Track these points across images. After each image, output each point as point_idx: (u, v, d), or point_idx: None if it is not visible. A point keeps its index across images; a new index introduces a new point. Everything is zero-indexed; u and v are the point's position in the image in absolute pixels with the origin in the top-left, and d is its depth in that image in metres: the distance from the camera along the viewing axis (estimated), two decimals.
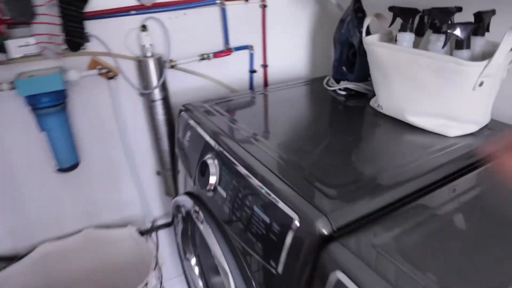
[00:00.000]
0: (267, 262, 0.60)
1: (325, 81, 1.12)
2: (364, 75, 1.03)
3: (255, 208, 0.62)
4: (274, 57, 1.24)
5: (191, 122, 0.89)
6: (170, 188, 1.18)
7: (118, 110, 1.05)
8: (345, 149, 0.73)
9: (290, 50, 1.29)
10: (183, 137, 0.92)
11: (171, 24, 1.03)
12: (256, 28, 1.18)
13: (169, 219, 1.29)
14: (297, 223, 0.54)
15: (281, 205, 0.57)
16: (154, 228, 1.24)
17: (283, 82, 1.29)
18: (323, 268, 0.49)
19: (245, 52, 1.19)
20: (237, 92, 1.22)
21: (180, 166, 1.03)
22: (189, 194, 0.92)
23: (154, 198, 1.25)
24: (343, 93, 1.04)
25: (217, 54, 1.10)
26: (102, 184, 1.13)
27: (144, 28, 0.99)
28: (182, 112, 0.95)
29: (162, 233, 1.30)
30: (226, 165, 0.71)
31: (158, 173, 1.20)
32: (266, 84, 1.26)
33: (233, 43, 1.14)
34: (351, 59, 1.04)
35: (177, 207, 0.98)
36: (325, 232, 0.52)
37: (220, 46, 1.14)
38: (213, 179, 0.73)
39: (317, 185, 0.60)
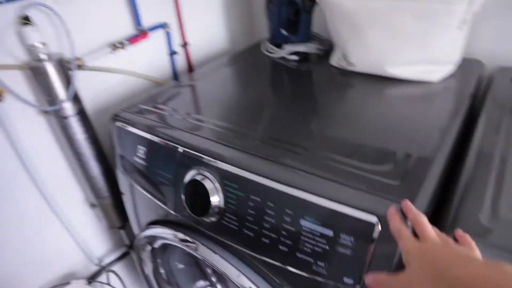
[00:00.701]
0: (339, 282, 0.48)
1: (263, 49, 0.99)
2: (309, 35, 0.94)
3: (304, 223, 0.48)
4: (194, 33, 1.05)
5: (140, 133, 0.67)
6: (113, 219, 0.94)
7: (16, 141, 0.74)
8: (338, 120, 0.64)
9: (208, 22, 1.11)
10: (133, 155, 0.70)
11: (63, 9, 0.75)
12: (167, 1, 0.96)
13: (119, 252, 1.04)
14: (378, 227, 0.44)
15: (347, 210, 0.45)
16: (105, 270, 0.99)
17: (211, 59, 1.12)
18: None
19: (161, 33, 0.97)
20: (166, 82, 1.01)
21: (126, 189, 0.81)
22: (163, 223, 0.73)
23: (93, 236, 0.98)
24: (294, 58, 0.93)
25: (132, 40, 0.86)
26: (16, 241, 0.82)
27: (26, 20, 0.69)
28: (117, 123, 0.72)
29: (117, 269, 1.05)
30: (233, 180, 0.55)
31: (93, 205, 0.93)
32: (190, 65, 1.07)
33: (145, 24, 0.91)
34: (292, 19, 0.93)
35: (148, 240, 0.78)
36: None
37: (130, 29, 0.89)
38: (216, 201, 0.56)
39: (360, 172, 0.49)
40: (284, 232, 0.50)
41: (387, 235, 0.42)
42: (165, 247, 0.80)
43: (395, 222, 0.41)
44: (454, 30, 0.67)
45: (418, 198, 0.45)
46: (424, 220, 0.40)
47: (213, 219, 0.58)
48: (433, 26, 0.67)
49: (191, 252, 0.67)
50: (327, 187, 0.48)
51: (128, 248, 1.03)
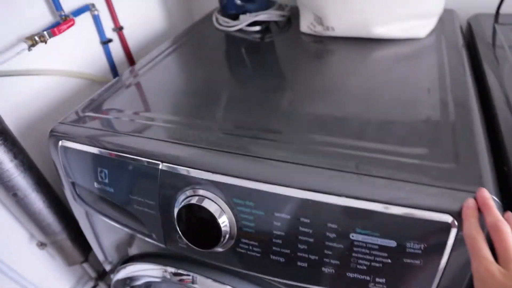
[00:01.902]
0: None
1: (216, 23, 0.84)
2: (267, 1, 0.81)
3: (356, 236, 0.38)
4: (126, 15, 0.86)
5: (98, 151, 0.51)
6: (73, 255, 0.76)
7: None
8: (333, 95, 0.54)
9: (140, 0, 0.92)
10: (91, 180, 0.53)
11: None
12: None
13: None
14: (454, 226, 0.35)
15: (413, 212, 0.36)
16: None
17: (151, 44, 0.94)
18: None
19: (87, 17, 0.77)
20: (104, 79, 0.82)
21: (86, 223, 0.64)
22: (144, 257, 0.58)
23: (48, 279, 0.79)
24: (255, 28, 0.80)
25: (55, 30, 0.66)
26: None
27: None
28: (62, 142, 0.54)
29: None
30: (246, 197, 0.42)
31: (42, 244, 0.74)
32: (129, 54, 0.88)
33: (66, 8, 0.70)
34: None
35: (126, 282, 0.63)
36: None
37: (49, 17, 0.69)
38: (225, 226, 0.43)
39: (397, 158, 0.40)
40: (328, 252, 0.40)
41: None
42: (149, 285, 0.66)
43: (471, 226, 0.32)
44: None
45: (487, 182, 0.37)
46: (508, 230, 0.30)
47: (223, 249, 0.46)
48: None
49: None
50: (379, 187, 0.38)
51: (96, 281, 0.86)
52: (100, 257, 0.70)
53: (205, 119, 0.52)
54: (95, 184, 0.53)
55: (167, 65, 0.70)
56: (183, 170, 0.45)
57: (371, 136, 0.44)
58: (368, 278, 0.40)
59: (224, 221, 0.43)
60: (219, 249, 0.45)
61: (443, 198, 0.36)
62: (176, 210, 0.45)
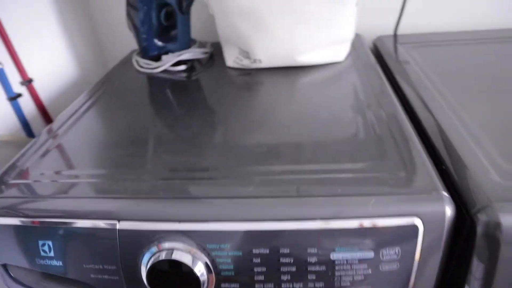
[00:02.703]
0: None
1: (137, 66, 0.82)
2: (190, 39, 0.82)
3: (336, 255, 0.39)
4: (34, 67, 0.78)
5: (38, 220, 0.44)
6: None
7: None
8: (268, 123, 0.57)
9: (49, 50, 0.85)
10: (34, 256, 0.46)
11: None
12: None
13: None
14: (421, 226, 0.38)
15: (384, 222, 0.38)
16: None
17: (65, 96, 0.87)
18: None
19: None
20: (18, 139, 0.73)
21: None
22: None
23: None
24: (181, 68, 0.79)
25: None
26: None
27: None
28: None
29: None
30: (220, 240, 0.40)
31: None
32: (43, 109, 0.80)
33: None
34: (165, 25, 0.79)
35: None
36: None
37: None
38: (202, 274, 0.41)
39: (352, 174, 0.44)
40: (312, 276, 0.40)
41: (429, 231, 0.38)
42: None
43: None
44: (353, 7, 0.67)
45: (438, 183, 0.42)
46: None
47: None
48: (334, 6, 0.65)
49: None
50: (348, 204, 0.40)
51: None
52: None
53: (147, 167, 0.49)
54: (37, 261, 0.46)
55: (91, 117, 0.65)
56: (145, 225, 0.41)
57: (320, 158, 0.46)
58: None
59: (201, 270, 0.40)
60: None
61: (407, 203, 0.39)
62: (144, 270, 0.41)
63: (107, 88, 0.75)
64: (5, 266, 0.49)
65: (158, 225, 0.41)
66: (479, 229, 0.38)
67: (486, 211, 0.38)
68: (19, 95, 0.73)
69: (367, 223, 0.38)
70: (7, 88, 0.71)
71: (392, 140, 0.49)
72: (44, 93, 0.80)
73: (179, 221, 0.41)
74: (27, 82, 0.76)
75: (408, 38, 0.82)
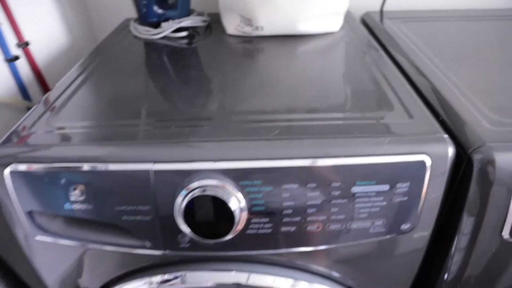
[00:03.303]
0: (396, 232, 0.47)
1: (136, 32, 0.82)
2: (188, 7, 0.83)
3: (357, 189, 0.44)
4: (30, 28, 0.77)
5: (69, 165, 0.45)
6: None
7: None
8: (280, 84, 0.61)
9: (43, 13, 0.83)
10: (63, 201, 0.47)
11: None
12: None
13: None
14: (429, 162, 0.44)
15: (397, 158, 0.44)
16: None
17: (57, 60, 0.85)
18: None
19: None
20: (16, 101, 0.71)
21: (44, 260, 0.56)
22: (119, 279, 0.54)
23: None
24: (182, 34, 0.81)
25: None
26: None
27: None
28: (11, 167, 0.46)
29: None
30: (253, 177, 0.44)
31: None
32: (38, 73, 0.79)
33: None
34: None
35: None
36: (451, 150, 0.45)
37: None
38: (237, 210, 0.44)
39: (365, 121, 0.49)
40: (334, 209, 0.45)
41: (436, 167, 0.44)
42: None
43: None
44: None
45: (439, 128, 0.47)
46: None
47: (233, 235, 0.46)
48: None
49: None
50: (368, 144, 0.45)
51: None
52: None
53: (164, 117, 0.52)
54: (67, 205, 0.47)
55: (94, 80, 0.65)
56: (180, 165, 0.44)
57: (336, 109, 0.51)
58: (368, 224, 0.46)
59: (234, 205, 0.44)
60: (229, 236, 0.46)
61: (416, 143, 0.45)
62: (181, 208, 0.44)
63: (106, 54, 0.75)
64: (30, 214, 0.49)
65: (193, 164, 0.44)
66: (476, 166, 0.44)
67: (481, 150, 0.45)
68: (17, 57, 0.72)
69: (383, 159, 0.44)
70: (5, 49, 0.70)
71: (395, 95, 0.55)
72: (39, 57, 0.79)
73: (214, 160, 0.44)
74: (24, 44, 0.74)
75: (394, 14, 0.89)
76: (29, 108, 0.75)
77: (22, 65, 0.74)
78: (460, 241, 0.50)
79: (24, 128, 0.51)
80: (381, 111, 0.51)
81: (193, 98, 0.57)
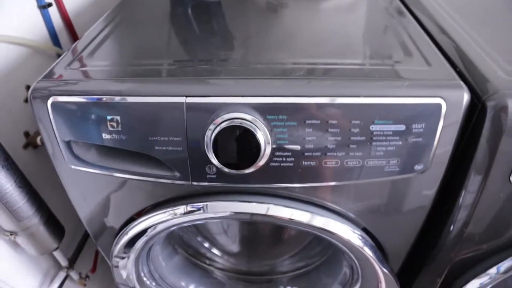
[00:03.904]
0: (409, 172, 0.51)
1: None
2: None
3: (375, 127, 0.47)
4: None
5: (107, 99, 0.49)
6: (47, 242, 0.69)
7: None
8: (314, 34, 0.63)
9: None
10: (100, 131, 0.51)
11: None
12: None
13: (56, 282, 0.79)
14: (444, 106, 0.47)
15: (415, 100, 0.46)
16: None
17: (84, 10, 0.88)
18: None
19: None
20: (52, 48, 0.75)
21: (77, 191, 0.60)
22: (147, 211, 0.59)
23: (14, 273, 0.71)
24: None
25: None
26: None
27: None
28: (53, 98, 0.49)
29: None
30: (278, 112, 0.47)
31: (12, 233, 0.66)
32: (68, 21, 0.82)
33: None
34: None
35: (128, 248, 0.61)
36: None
37: None
38: (263, 142, 0.47)
39: (384, 67, 0.51)
40: (353, 146, 0.48)
41: (451, 111, 0.46)
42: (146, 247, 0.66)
43: None
44: None
45: (455, 76, 0.50)
46: None
47: (256, 168, 0.50)
48: None
49: (204, 221, 0.57)
50: (386, 86, 0.47)
51: (68, 270, 0.80)
52: (90, 229, 0.66)
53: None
54: (104, 135, 0.51)
55: (123, 28, 0.67)
56: (211, 99, 0.47)
57: (358, 56, 0.54)
58: (384, 162, 0.49)
59: (261, 137, 0.47)
60: (254, 169, 0.50)
61: (433, 87, 0.47)
62: (211, 138, 0.48)
63: (132, 6, 0.78)
64: (69, 143, 0.53)
65: (223, 99, 0.47)
66: (489, 113, 0.47)
67: (495, 97, 0.47)
68: (50, 4, 0.75)
69: (400, 100, 0.46)
70: None
71: (414, 46, 0.57)
72: (68, 7, 0.82)
73: (242, 95, 0.47)
74: None
75: None
76: (59, 55, 0.78)
77: (53, 12, 0.77)
78: (469, 188, 0.52)
79: (58, 68, 0.54)
80: (401, 59, 0.53)
81: (219, 45, 0.60)
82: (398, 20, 0.66)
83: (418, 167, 0.50)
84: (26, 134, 0.72)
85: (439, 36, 0.63)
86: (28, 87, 0.72)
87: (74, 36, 0.83)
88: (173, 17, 0.74)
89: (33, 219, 0.65)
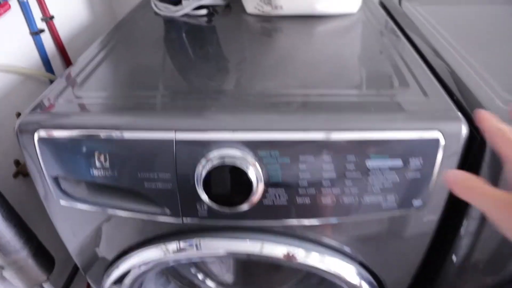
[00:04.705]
0: (407, 208, 0.49)
1: (157, 9, 0.83)
2: None
3: (371, 163, 0.46)
4: (54, 3, 0.78)
5: (95, 133, 0.47)
6: (36, 274, 0.67)
7: None
8: (294, 63, 0.62)
9: None
10: (89, 168, 0.49)
11: None
12: None
13: None
14: (442, 140, 0.45)
15: (411, 134, 0.45)
16: None
17: (78, 36, 0.87)
18: None
19: (15, 5, 0.68)
20: (45, 75, 0.74)
21: (66, 226, 0.59)
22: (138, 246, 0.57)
23: None
24: (202, 12, 0.82)
25: None
26: None
27: None
28: (39, 132, 0.48)
29: None
30: (271, 147, 0.45)
31: (2, 267, 0.64)
32: (61, 47, 0.81)
33: None
34: None
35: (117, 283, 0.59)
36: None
37: None
38: (254, 180, 0.46)
39: (378, 98, 0.50)
40: (348, 182, 0.47)
41: (449, 145, 0.45)
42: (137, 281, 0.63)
43: (492, 123, 0.31)
44: None
45: (452, 108, 0.48)
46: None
47: (249, 206, 0.48)
48: None
49: (199, 259, 0.55)
50: (382, 120, 0.46)
51: None
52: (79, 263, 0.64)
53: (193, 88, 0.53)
54: (92, 172, 0.49)
55: (116, 54, 0.66)
56: (201, 135, 0.46)
57: (351, 87, 0.52)
58: (381, 198, 0.48)
59: (252, 175, 0.45)
60: (245, 207, 0.48)
61: (430, 120, 0.45)
62: (201, 176, 0.46)
63: (126, 30, 0.77)
64: (56, 180, 0.52)
65: (213, 134, 0.46)
66: (488, 146, 0.45)
67: None
68: (42, 30, 0.74)
69: (397, 135, 0.45)
70: (31, 22, 0.72)
71: (410, 73, 0.55)
72: (61, 32, 0.81)
73: (233, 130, 0.45)
74: (49, 18, 0.76)
75: None
76: (51, 81, 0.77)
77: (46, 38, 0.77)
78: (470, 222, 0.51)
79: (48, 98, 0.53)
80: (397, 89, 0.51)
81: (212, 73, 0.59)
82: (393, 44, 0.65)
83: (416, 202, 0.48)
84: (17, 162, 0.71)
85: (434, 60, 0.62)
86: (19, 115, 0.70)
87: (67, 62, 0.82)
88: (167, 41, 0.74)
89: (21, 252, 0.63)
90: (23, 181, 0.72)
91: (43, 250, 0.69)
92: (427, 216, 0.51)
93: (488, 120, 0.32)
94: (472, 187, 0.29)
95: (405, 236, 0.53)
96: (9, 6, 0.61)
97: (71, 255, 0.62)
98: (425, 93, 0.50)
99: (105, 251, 0.61)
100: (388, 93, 0.51)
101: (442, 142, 0.45)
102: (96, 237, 0.59)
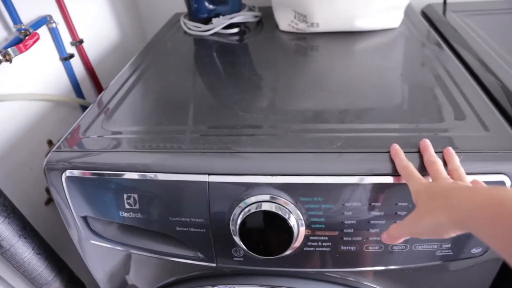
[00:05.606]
0: (466, 256, 0.44)
1: (186, 28, 0.81)
2: (240, 3, 0.81)
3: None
4: (83, 26, 0.77)
5: (124, 175, 0.45)
6: None
7: None
8: (331, 87, 0.57)
9: (94, 11, 0.84)
10: (118, 209, 0.47)
11: None
12: None
13: None
14: (507, 183, 0.40)
15: (473, 177, 0.40)
16: None
17: (108, 58, 0.86)
18: None
19: (44, 31, 0.68)
20: (80, 101, 0.73)
21: (98, 264, 0.57)
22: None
23: None
24: (234, 30, 0.79)
25: (21, 46, 0.56)
26: None
27: None
28: (67, 173, 0.46)
29: None
30: (313, 194, 0.41)
31: None
32: (91, 71, 0.80)
33: (24, 19, 0.61)
34: None
35: None
36: None
37: (1, 32, 0.59)
38: (295, 227, 0.42)
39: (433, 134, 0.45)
40: None
41: None
42: None
43: (402, 159, 0.39)
44: None
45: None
46: (440, 162, 0.38)
47: (290, 251, 0.44)
48: None
49: None
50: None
51: None
52: None
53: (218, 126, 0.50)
54: (121, 213, 0.47)
55: (146, 80, 0.64)
56: (237, 178, 0.42)
57: (398, 119, 0.47)
58: (435, 246, 0.43)
59: (293, 222, 0.42)
60: (286, 253, 0.44)
61: (494, 160, 0.40)
62: (236, 222, 0.42)
63: (156, 52, 0.75)
64: (85, 219, 0.50)
65: (250, 178, 0.42)
66: None
67: None
68: (72, 55, 0.73)
69: None
70: (61, 48, 0.71)
71: (465, 101, 0.50)
72: (91, 55, 0.80)
73: (272, 174, 0.42)
74: (78, 42, 0.75)
75: (458, 6, 0.81)
76: (82, 106, 0.76)
77: (76, 63, 0.76)
78: None
79: (78, 130, 0.51)
80: (453, 121, 0.46)
81: (246, 100, 0.55)
82: (440, 62, 0.59)
83: (475, 250, 0.43)
84: (47, 190, 0.70)
85: (485, 76, 0.56)
86: (50, 142, 0.70)
87: (97, 85, 0.81)
88: (197, 63, 0.71)
89: (53, 284, 0.62)
90: (54, 207, 0.71)
91: (74, 280, 0.68)
92: (487, 263, 0.46)
93: (399, 157, 0.40)
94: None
95: (462, 285, 0.48)
96: (38, 37, 0.60)
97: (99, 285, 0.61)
98: (485, 127, 0.45)
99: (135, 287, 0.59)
100: (441, 128, 0.45)
101: (509, 185, 0.40)
102: (126, 274, 0.57)
